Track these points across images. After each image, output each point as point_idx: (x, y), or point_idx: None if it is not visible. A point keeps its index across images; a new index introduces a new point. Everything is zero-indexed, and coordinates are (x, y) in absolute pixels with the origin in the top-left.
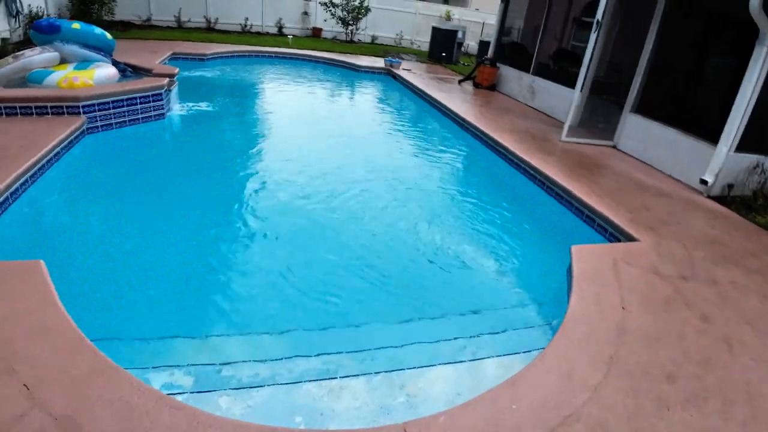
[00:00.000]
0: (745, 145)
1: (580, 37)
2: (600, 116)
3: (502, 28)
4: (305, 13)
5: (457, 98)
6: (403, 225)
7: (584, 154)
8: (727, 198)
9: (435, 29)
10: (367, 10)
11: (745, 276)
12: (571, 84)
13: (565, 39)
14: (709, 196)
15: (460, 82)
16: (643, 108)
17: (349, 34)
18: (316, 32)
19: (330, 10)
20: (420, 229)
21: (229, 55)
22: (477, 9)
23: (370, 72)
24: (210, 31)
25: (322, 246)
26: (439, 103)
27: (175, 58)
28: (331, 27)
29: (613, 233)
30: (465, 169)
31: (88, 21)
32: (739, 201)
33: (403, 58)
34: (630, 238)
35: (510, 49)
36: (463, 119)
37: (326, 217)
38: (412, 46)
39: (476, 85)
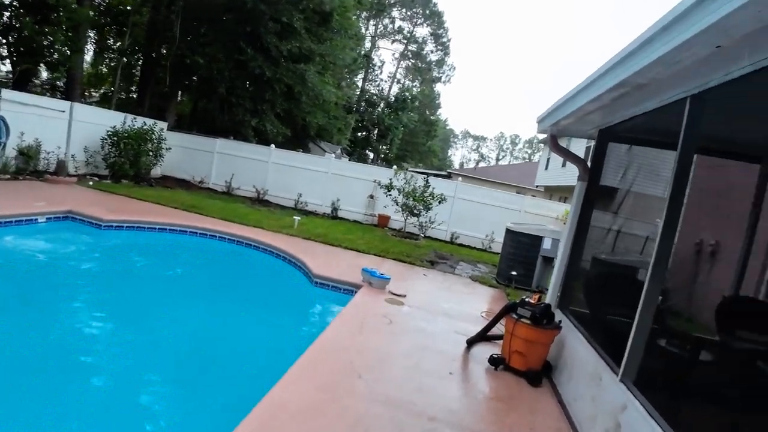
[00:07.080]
0: None
1: None
2: None
3: (579, 242)
4: (371, 197)
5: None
6: None
7: None
8: None
9: (509, 232)
10: (441, 199)
11: None
12: None
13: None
14: None
15: (468, 343)
16: None
17: (420, 228)
18: (383, 220)
19: (389, 195)
20: None
21: (145, 227)
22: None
23: (328, 287)
24: (255, 202)
25: None
26: None
27: (71, 217)
28: (400, 216)
29: None
30: None
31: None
32: None
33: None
34: None
35: (590, 287)
36: None
37: None
38: None
39: (496, 363)
